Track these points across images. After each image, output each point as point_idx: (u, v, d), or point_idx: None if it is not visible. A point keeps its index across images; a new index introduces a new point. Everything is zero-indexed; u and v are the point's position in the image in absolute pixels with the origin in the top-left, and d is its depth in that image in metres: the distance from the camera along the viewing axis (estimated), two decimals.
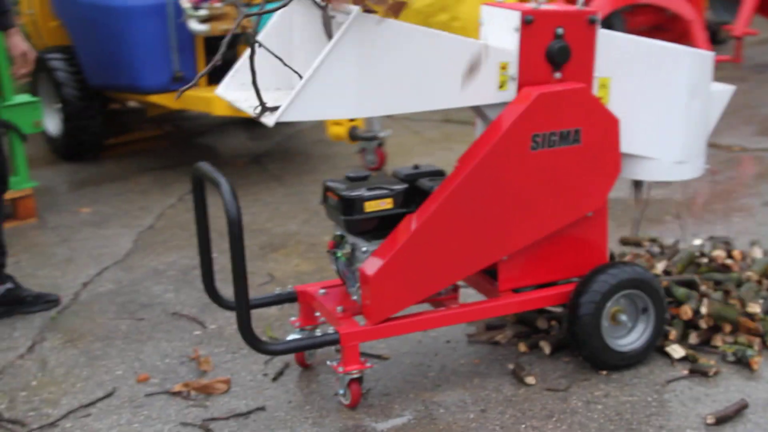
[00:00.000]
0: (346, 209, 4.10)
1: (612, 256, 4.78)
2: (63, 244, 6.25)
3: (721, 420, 3.85)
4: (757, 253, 5.15)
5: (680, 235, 5.84)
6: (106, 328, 4.94)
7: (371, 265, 4.01)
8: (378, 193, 4.12)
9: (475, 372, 4.36)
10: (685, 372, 4.26)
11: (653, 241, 5.77)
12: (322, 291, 4.33)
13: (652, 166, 4.37)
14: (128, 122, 9.41)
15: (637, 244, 5.71)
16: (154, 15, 7.32)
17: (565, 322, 4.28)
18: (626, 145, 4.28)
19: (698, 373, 4.22)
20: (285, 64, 3.86)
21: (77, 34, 8.05)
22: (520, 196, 4.08)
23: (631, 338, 4.32)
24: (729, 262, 4.96)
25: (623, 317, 4.25)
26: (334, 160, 8.06)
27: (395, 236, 4.04)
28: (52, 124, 8.33)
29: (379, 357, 4.53)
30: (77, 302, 5.27)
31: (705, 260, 5.00)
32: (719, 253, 5.02)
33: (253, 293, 5.09)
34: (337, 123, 6.86)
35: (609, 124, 4.17)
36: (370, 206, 4.11)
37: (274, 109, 3.68)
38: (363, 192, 4.10)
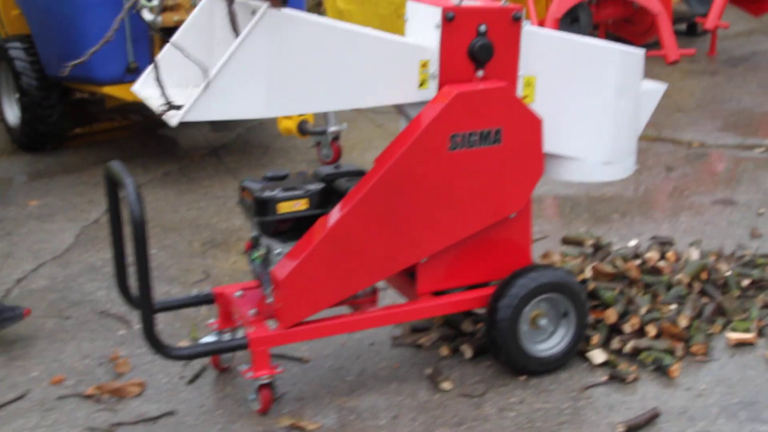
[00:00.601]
0: (259, 210, 4.03)
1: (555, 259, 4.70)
2: (5, 238, 6.19)
3: (631, 429, 3.79)
4: (694, 254, 5.08)
5: (625, 235, 5.76)
6: (32, 326, 4.88)
7: (283, 268, 3.94)
8: (292, 194, 4.05)
9: (393, 376, 4.30)
10: (604, 378, 4.18)
11: (596, 240, 5.69)
12: (239, 293, 4.27)
13: (578, 167, 4.30)
14: (95, 112, 9.33)
15: (579, 243, 5.63)
16: (108, 5, 7.22)
17: (483, 326, 4.21)
18: (552, 145, 4.21)
19: (616, 379, 4.16)
20: (190, 58, 3.76)
21: (35, 23, 7.98)
22: (439, 197, 4.01)
23: (552, 343, 4.26)
24: (662, 264, 4.88)
25: (543, 322, 4.19)
26: (291, 153, 7.99)
27: (308, 238, 3.98)
28: (12, 114, 8.26)
29: (298, 360, 4.47)
30: (8, 299, 5.21)
31: (638, 262, 4.91)
32: (652, 255, 4.94)
33: (185, 292, 5.07)
34: (287, 117, 6.77)
35: (532, 124, 4.09)
36: (284, 207, 4.04)
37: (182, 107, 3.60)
38: (277, 192, 4.03)
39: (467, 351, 4.43)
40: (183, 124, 4.17)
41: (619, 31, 10.51)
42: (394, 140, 4.03)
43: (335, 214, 3.92)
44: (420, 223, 4.00)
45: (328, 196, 4.13)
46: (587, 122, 4.23)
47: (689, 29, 11.97)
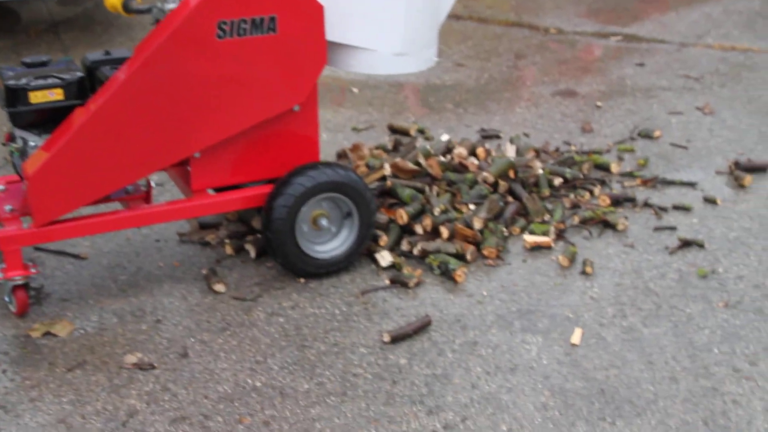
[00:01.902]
0: (10, 99, 3.70)
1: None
2: None
3: (397, 338, 3.60)
4: (510, 151, 4.85)
5: (454, 126, 5.52)
6: None
7: (34, 162, 3.63)
8: (47, 83, 3.72)
9: (169, 276, 4.05)
10: (386, 282, 3.97)
11: (421, 131, 5.45)
12: (1, 187, 3.94)
13: (369, 58, 4.00)
14: None
15: (405, 133, 5.38)
16: None
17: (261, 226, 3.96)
18: (338, 35, 3.91)
19: (398, 284, 3.95)
20: None
21: None
22: (208, 88, 3.71)
23: (334, 244, 4.04)
24: (470, 161, 4.65)
25: (324, 222, 3.94)
26: (134, 31, 7.55)
27: (62, 131, 3.66)
28: None
29: (75, 256, 4.18)
30: None
31: (443, 159, 4.68)
32: (460, 151, 4.71)
33: None
34: None
35: (311, 12, 3.78)
36: (36, 97, 3.70)
37: None
38: (29, 81, 3.68)
39: (252, 250, 4.19)
40: None
41: None
42: (156, 27, 3.69)
43: (90, 106, 3.60)
44: (188, 116, 3.71)
45: (89, 85, 3.79)
46: (376, 9, 3.92)
47: None
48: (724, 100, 6.01)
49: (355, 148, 4.85)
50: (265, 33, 3.72)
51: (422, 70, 4.16)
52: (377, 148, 4.96)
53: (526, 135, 5.38)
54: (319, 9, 3.77)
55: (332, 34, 3.90)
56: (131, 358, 3.53)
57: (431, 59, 4.13)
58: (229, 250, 4.23)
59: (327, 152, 5.18)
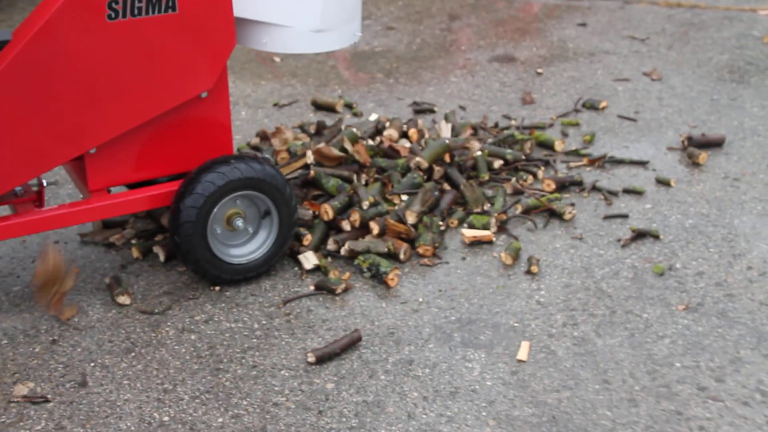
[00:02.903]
0: None
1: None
2: None
3: (323, 358, 3.19)
4: (444, 130, 4.43)
5: (384, 100, 5.07)
6: None
7: None
8: None
9: None
10: (311, 288, 3.55)
11: (349, 106, 5.01)
12: None
13: (284, 36, 3.57)
14: None
15: (331, 108, 4.94)
16: None
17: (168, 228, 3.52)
18: (249, 11, 3.49)
19: (324, 290, 3.52)
20: None
21: None
22: (100, 76, 3.25)
23: (252, 247, 3.61)
24: (402, 145, 4.22)
25: (239, 223, 3.50)
26: (15, 11, 6.98)
27: None
28: None
29: None
30: None
31: (372, 142, 4.25)
32: (391, 133, 4.28)
33: None
34: None
35: None
36: None
37: None
38: None
39: (161, 253, 3.74)
40: None
41: None
42: (37, 7, 3.21)
43: None
44: (77, 109, 3.26)
45: None
46: None
47: None
48: (672, 63, 5.64)
49: (278, 131, 4.40)
50: (164, 12, 3.27)
51: (344, 47, 3.71)
52: (300, 128, 4.51)
53: (463, 108, 4.97)
54: None
55: (242, 10, 3.44)
56: (22, 389, 3.09)
57: (354, 35, 3.70)
58: (135, 253, 3.78)
59: (246, 132, 4.73)
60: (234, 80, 5.24)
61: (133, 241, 3.87)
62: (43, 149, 3.30)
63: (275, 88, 5.31)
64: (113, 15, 3.20)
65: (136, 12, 3.23)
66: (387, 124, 4.44)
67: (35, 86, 3.18)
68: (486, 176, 4.21)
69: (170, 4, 3.27)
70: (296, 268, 3.69)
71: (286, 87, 5.31)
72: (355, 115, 4.92)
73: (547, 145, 4.54)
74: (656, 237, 3.85)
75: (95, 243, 3.90)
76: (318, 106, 4.96)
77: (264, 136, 4.52)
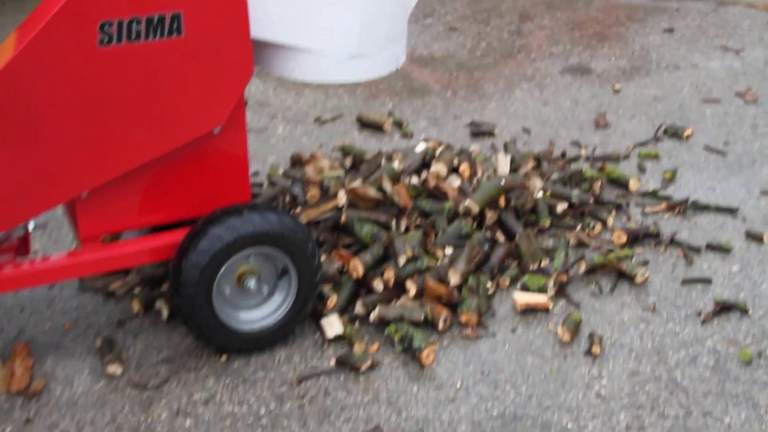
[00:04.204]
0: None
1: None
2: None
3: None
4: (503, 165, 3.85)
5: (440, 118, 4.50)
6: None
7: None
8: None
9: (56, 346, 3.15)
10: (332, 363, 3.02)
11: (398, 125, 4.45)
12: None
13: (314, 62, 3.05)
14: None
15: (378, 127, 4.40)
16: None
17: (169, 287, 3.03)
18: (272, 32, 2.97)
19: (347, 367, 2.99)
20: None
21: None
22: (90, 110, 2.78)
23: (266, 311, 3.11)
24: (449, 185, 3.66)
25: (252, 283, 2.99)
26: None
27: None
28: None
29: None
30: None
31: (416, 180, 3.69)
32: (438, 170, 3.71)
33: None
34: None
35: (231, 6, 2.83)
36: None
37: None
38: None
39: (164, 309, 3.24)
40: None
41: None
42: (18, 28, 2.74)
43: None
44: (65, 147, 2.81)
45: None
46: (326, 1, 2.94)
47: None
48: None
49: (312, 159, 3.86)
50: (167, 36, 2.75)
51: (384, 75, 3.17)
52: (341, 150, 3.97)
53: (527, 131, 4.38)
54: (242, 2, 2.79)
55: (263, 31, 2.92)
56: None
57: (397, 59, 3.14)
58: (136, 306, 3.29)
59: (281, 153, 4.22)
60: (275, 88, 4.71)
61: (136, 291, 3.37)
62: (26, 193, 2.83)
63: (319, 99, 4.77)
64: (106, 40, 2.70)
65: (133, 36, 2.73)
66: (438, 152, 3.87)
67: (14, 121, 2.70)
68: (547, 222, 3.63)
69: (175, 26, 2.76)
70: (318, 335, 3.16)
71: (331, 98, 4.76)
72: (405, 135, 4.36)
73: (621, 183, 3.94)
74: (744, 311, 3.24)
75: (94, 290, 3.41)
76: (364, 124, 4.42)
77: (298, 161, 3.99)
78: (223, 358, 3.09)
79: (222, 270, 2.97)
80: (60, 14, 2.67)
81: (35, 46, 2.67)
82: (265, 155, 4.23)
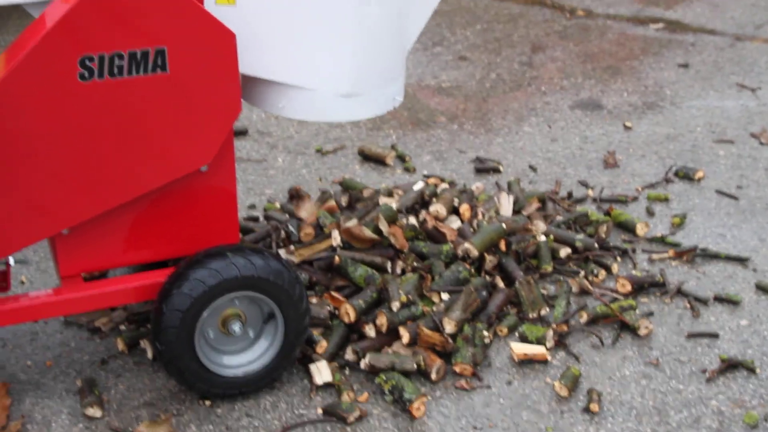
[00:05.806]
0: None
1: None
2: None
3: None
4: (505, 206, 3.73)
5: (444, 152, 4.39)
6: None
7: None
8: None
9: (36, 385, 3.05)
10: (319, 413, 2.90)
11: (401, 158, 4.34)
12: None
13: (304, 100, 2.93)
14: None
15: (380, 160, 4.29)
16: None
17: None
18: (263, 69, 2.86)
19: (334, 417, 2.87)
20: None
21: None
22: (70, 146, 2.68)
23: (251, 356, 2.98)
24: (448, 226, 3.54)
25: (236, 327, 2.87)
26: None
27: None
28: None
29: None
30: None
31: (413, 220, 3.57)
32: (437, 210, 3.59)
33: None
34: None
35: (217, 41, 2.72)
36: None
37: None
38: None
39: (148, 349, 3.13)
40: None
41: None
42: (6, 51, 2.67)
43: None
44: (44, 182, 2.72)
45: None
46: (316, 36, 2.83)
47: None
48: None
49: (301, 200, 3.76)
50: (151, 72, 2.64)
51: (376, 115, 3.07)
52: (340, 184, 3.86)
53: (533, 169, 4.26)
54: (229, 38, 2.70)
55: (252, 67, 2.81)
56: None
57: (394, 99, 3.03)
58: (120, 345, 3.18)
59: (279, 185, 4.11)
60: (277, 116, 4.59)
61: (122, 328, 3.26)
62: (2, 228, 2.71)
63: (321, 129, 4.66)
64: (87, 75, 2.61)
65: (115, 72, 2.63)
66: (439, 189, 3.76)
67: None
68: (549, 268, 3.51)
69: (159, 62, 2.65)
70: (306, 381, 3.04)
71: (334, 128, 4.66)
72: (407, 170, 4.25)
73: (628, 228, 3.81)
74: (751, 370, 3.10)
75: (79, 325, 3.30)
76: (366, 157, 4.31)
77: (296, 195, 3.88)
78: (207, 403, 2.97)
79: (205, 314, 2.86)
80: (39, 47, 2.58)
81: (15, 78, 2.58)
82: (263, 187, 4.12)
